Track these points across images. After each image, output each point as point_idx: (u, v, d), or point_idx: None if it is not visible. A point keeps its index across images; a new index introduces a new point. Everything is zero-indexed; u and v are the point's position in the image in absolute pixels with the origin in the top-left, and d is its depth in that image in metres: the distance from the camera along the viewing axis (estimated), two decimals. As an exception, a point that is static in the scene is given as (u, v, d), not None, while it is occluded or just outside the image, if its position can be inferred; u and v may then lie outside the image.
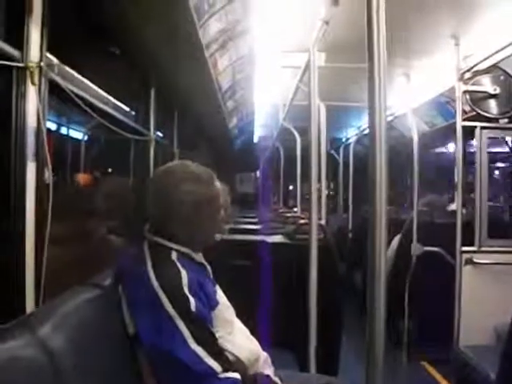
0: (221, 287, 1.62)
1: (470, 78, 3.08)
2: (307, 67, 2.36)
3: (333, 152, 7.20)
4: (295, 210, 6.07)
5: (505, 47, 2.43)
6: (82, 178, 3.46)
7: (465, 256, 2.97)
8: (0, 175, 1.42)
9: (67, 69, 1.95)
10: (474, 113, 3.18)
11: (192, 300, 1.34)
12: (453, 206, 4.16)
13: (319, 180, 3.02)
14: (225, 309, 1.55)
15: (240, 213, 6.09)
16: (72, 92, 1.76)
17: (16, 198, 1.42)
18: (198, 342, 1.31)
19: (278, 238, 3.12)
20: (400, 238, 3.88)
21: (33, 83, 1.45)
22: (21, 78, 1.44)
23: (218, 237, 1.67)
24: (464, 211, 3.43)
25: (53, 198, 1.50)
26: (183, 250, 1.48)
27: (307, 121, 2.33)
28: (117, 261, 1.58)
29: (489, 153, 3.21)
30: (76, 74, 2.09)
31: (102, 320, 1.35)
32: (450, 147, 6.01)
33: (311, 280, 2.26)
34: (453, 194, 4.64)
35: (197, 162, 1.59)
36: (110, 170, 4.34)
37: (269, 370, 1.62)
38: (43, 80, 1.50)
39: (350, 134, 6.60)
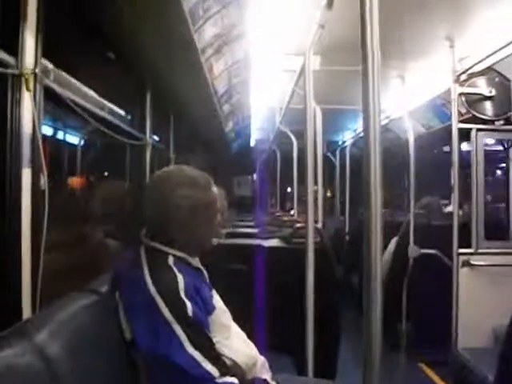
0: (217, 291, 1.62)
1: (465, 80, 3.10)
2: (303, 71, 2.36)
3: (329, 155, 7.22)
4: (292, 212, 6.08)
5: (500, 49, 2.44)
6: (78, 182, 3.45)
7: (462, 258, 2.98)
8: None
9: (63, 74, 1.95)
10: (470, 115, 3.20)
11: (189, 304, 1.34)
12: (449, 208, 4.17)
13: (316, 183, 3.02)
14: (221, 313, 1.55)
15: (237, 216, 6.09)
16: (67, 97, 1.76)
17: (11, 205, 1.41)
18: (195, 347, 1.31)
19: (274, 242, 3.12)
20: (397, 240, 3.89)
21: (28, 90, 1.44)
22: (16, 84, 1.43)
23: (214, 241, 1.67)
24: (461, 213, 3.43)
25: (49, 203, 1.50)
26: (180, 254, 1.48)
27: (303, 124, 2.34)
28: (114, 266, 1.58)
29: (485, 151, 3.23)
30: (72, 80, 2.09)
31: (98, 326, 1.35)
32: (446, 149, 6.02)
33: (308, 283, 2.25)
34: (449, 195, 4.65)
35: (193, 166, 1.60)
36: (106, 174, 4.33)
37: (266, 375, 1.62)
38: (38, 86, 1.50)
39: (347, 137, 6.62)
